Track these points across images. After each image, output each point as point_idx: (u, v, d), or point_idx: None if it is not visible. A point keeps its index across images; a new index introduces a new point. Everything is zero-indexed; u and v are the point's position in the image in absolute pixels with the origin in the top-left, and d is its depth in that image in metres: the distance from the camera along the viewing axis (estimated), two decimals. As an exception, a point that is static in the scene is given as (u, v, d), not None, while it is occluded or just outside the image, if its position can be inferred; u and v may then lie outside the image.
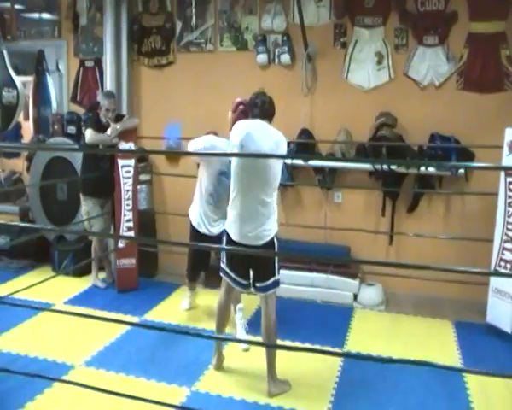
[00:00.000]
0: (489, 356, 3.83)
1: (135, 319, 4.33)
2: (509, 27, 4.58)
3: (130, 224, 4.96)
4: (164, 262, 5.59)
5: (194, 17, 5.39)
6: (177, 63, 5.54)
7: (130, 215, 4.96)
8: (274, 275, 3.23)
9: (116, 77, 5.48)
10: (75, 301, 4.76)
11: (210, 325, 4.18)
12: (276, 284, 3.27)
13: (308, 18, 4.92)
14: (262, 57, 5.15)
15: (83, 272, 5.29)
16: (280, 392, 3.31)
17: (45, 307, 4.41)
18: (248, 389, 3.34)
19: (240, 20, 5.30)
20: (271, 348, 3.29)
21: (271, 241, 3.18)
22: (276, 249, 3.24)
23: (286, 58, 5.07)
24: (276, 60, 5.18)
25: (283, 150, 3.21)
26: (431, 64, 4.80)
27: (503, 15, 4.58)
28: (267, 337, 3.30)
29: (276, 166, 3.18)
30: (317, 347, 3.73)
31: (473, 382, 3.41)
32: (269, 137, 3.18)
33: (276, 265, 3.25)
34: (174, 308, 4.63)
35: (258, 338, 3.98)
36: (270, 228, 3.17)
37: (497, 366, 3.64)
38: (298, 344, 3.85)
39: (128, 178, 4.95)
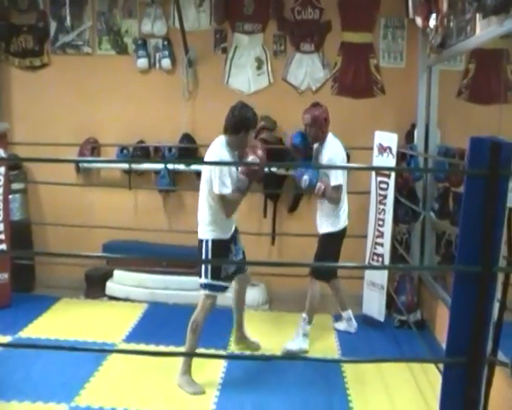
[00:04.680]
0: (364, 344, 4.07)
1: (7, 339, 4.02)
2: (375, 39, 4.93)
3: (2, 236, 4.62)
4: (41, 275, 5.25)
5: (68, 17, 5.16)
6: (53, 65, 5.27)
7: (1, 227, 4.63)
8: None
9: (-20, 77, 5.11)
10: None
11: (91, 337, 4.02)
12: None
13: (188, 23, 4.95)
14: (142, 62, 5.06)
15: None
16: (183, 385, 3.38)
17: None
18: (131, 398, 3.23)
19: (119, 23, 5.17)
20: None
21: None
22: None
23: (167, 63, 5.02)
24: (157, 64, 5.11)
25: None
26: (308, 70, 5.02)
27: (371, 28, 4.94)
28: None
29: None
30: (201, 350, 3.71)
31: (349, 370, 3.60)
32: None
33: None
34: (53, 323, 4.38)
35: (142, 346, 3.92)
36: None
37: (371, 352, 3.90)
38: (181, 349, 3.81)
39: (-2, 187, 4.62)
